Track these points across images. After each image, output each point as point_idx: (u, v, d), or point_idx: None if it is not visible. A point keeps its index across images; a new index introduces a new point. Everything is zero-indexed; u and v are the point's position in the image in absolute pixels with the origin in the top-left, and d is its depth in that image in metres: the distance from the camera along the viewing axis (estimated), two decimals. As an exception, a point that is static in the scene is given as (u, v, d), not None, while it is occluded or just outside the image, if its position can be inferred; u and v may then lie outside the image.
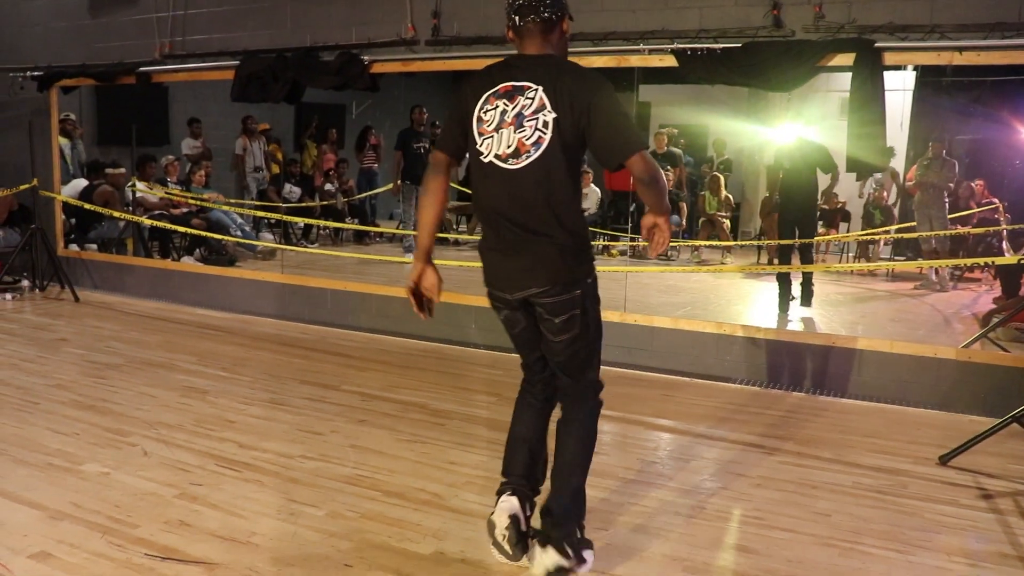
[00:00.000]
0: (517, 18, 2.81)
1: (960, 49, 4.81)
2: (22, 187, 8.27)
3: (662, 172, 2.73)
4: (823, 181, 7.59)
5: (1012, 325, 5.95)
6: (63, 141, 9.20)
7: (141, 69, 7.82)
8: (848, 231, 9.63)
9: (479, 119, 2.79)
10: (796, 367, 5.49)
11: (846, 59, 5.04)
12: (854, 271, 9.16)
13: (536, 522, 3.00)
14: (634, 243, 9.91)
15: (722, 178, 10.47)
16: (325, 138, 11.84)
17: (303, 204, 10.93)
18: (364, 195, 11.11)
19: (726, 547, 3.24)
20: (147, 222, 8.77)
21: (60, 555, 3.06)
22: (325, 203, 11.33)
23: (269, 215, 10.09)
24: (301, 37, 6.93)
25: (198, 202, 9.20)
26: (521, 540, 2.94)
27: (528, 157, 2.71)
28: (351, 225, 11.09)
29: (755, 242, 10.02)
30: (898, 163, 9.72)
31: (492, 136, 2.77)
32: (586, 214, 9.39)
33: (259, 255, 9.46)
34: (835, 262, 9.68)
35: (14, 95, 8.86)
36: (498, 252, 2.83)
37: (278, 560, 3.04)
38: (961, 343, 5.48)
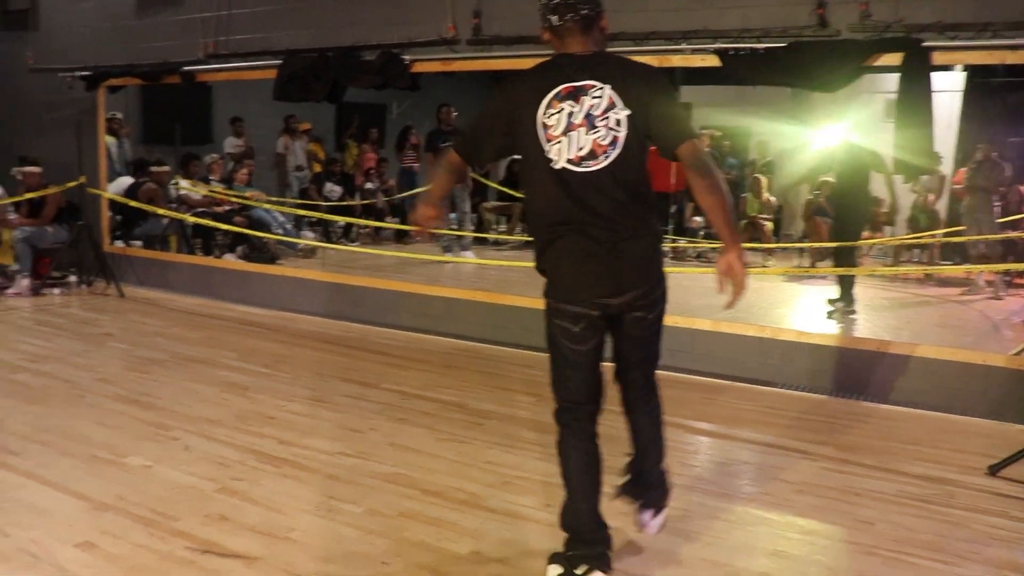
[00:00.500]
0: (555, 18, 2.72)
1: (1013, 48, 4.70)
2: (70, 185, 8.40)
3: (716, 167, 2.66)
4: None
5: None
6: (110, 140, 9.34)
7: (185, 69, 7.91)
8: (893, 235, 9.49)
9: (544, 125, 2.66)
10: (839, 372, 5.40)
11: (893, 59, 4.94)
12: (899, 275, 9.02)
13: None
14: (674, 244, 9.86)
15: (764, 180, 10.37)
16: (366, 137, 11.91)
17: (344, 203, 11.01)
18: (404, 194, 11.17)
19: (765, 552, 3.19)
20: (190, 219, 8.87)
21: (104, 546, 3.10)
22: (366, 202, 11.40)
23: (310, 213, 10.17)
24: (342, 37, 6.96)
25: (240, 200, 9.29)
26: None
27: (607, 157, 2.62)
28: (391, 224, 11.14)
29: (798, 244, 9.92)
30: (946, 166, 9.56)
31: (561, 140, 2.65)
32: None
33: (300, 253, 9.55)
34: (879, 266, 9.55)
35: (63, 95, 9.01)
36: (586, 260, 2.67)
37: (316, 556, 3.05)
38: (1011, 350, 5.37)
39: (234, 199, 9.32)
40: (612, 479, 3.06)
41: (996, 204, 8.54)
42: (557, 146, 2.66)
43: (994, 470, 4.00)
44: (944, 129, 8.52)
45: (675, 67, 5.71)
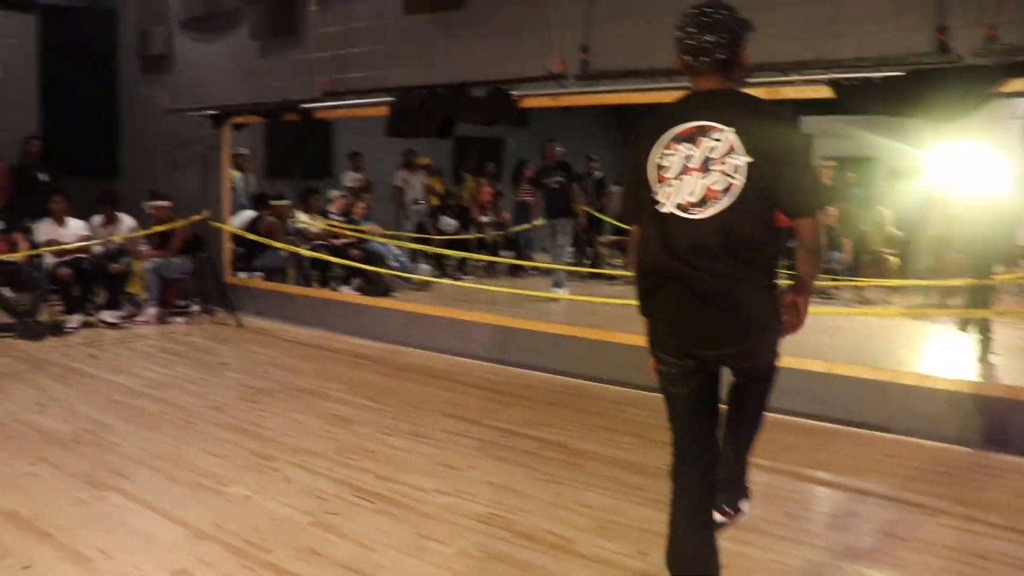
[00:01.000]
0: (689, 58, 2.57)
1: None
2: (196, 218, 8.76)
3: (822, 240, 2.52)
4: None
5: None
6: (236, 174, 9.71)
7: (304, 106, 8.17)
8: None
9: (658, 166, 2.53)
10: (969, 420, 5.04)
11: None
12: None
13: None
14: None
15: (888, 213, 9.95)
16: (483, 171, 12.03)
17: (459, 236, 11.11)
18: (519, 228, 11.20)
19: (875, 614, 3.00)
20: (307, 253, 9.11)
21: (198, 574, 3.16)
22: (480, 236, 11.48)
23: (425, 247, 10.30)
24: (452, 73, 7.06)
25: (357, 233, 9.49)
26: None
27: (717, 204, 2.45)
28: (504, 259, 11.18)
29: (924, 282, 9.44)
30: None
31: (672, 184, 2.51)
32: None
33: (414, 287, 9.67)
34: (1013, 305, 8.99)
35: (192, 133, 9.45)
36: (684, 313, 2.54)
37: (402, 596, 3.03)
38: None
39: (351, 233, 9.52)
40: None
41: None
42: (668, 189, 2.51)
43: None
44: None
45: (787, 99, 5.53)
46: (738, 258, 2.47)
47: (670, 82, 5.54)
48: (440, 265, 11.03)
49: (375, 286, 9.00)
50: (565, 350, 6.60)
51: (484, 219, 11.70)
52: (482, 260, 11.33)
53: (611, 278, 10.66)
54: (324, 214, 9.83)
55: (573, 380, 6.42)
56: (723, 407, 2.72)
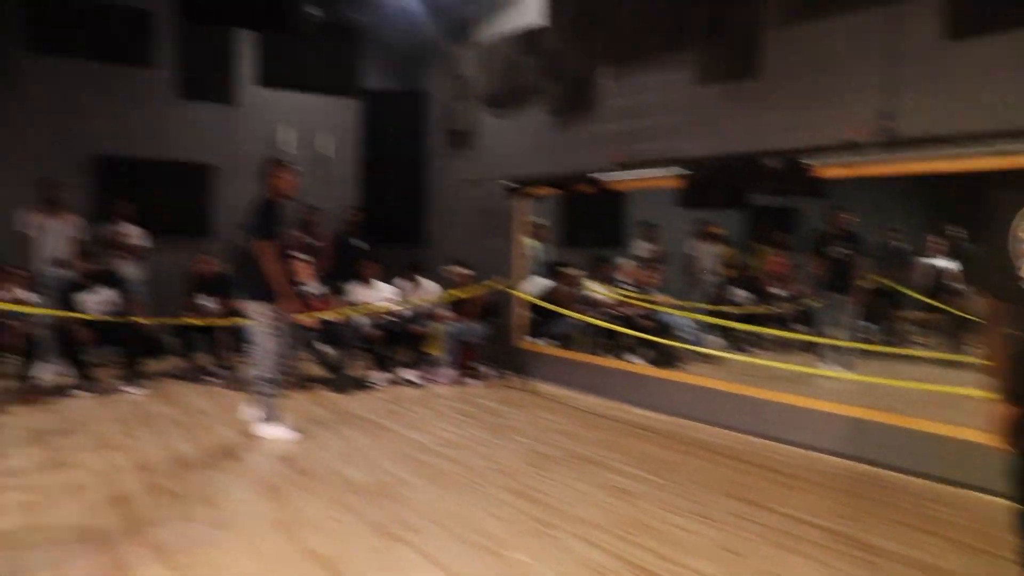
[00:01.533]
0: None
1: None
2: (493, 284, 9.19)
3: None
4: None
5: None
6: (530, 243, 10.09)
7: (597, 178, 8.37)
8: None
9: (1018, 238, 2.32)
10: None
11: None
12: None
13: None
14: None
15: None
16: (776, 242, 11.66)
17: (751, 309, 10.81)
18: (814, 302, 10.69)
19: None
20: (597, 322, 9.23)
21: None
22: (774, 309, 11.09)
23: (716, 320, 10.11)
24: (744, 143, 6.95)
25: (647, 304, 9.50)
26: None
27: None
28: (797, 334, 10.71)
29: None
30: None
31: None
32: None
33: (704, 359, 9.48)
34: None
35: (492, 203, 9.98)
36: None
37: None
38: None
39: (641, 302, 9.54)
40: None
41: None
42: None
43: None
44: None
45: None
46: None
47: (980, 147, 5.11)
48: (731, 338, 10.76)
49: (664, 357, 8.93)
50: (862, 435, 6.15)
51: (777, 291, 11.30)
52: (774, 334, 10.92)
53: (913, 358, 9.86)
54: (615, 283, 9.94)
55: (870, 468, 5.95)
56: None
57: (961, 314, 8.92)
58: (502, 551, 4.10)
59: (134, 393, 7.87)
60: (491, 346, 9.38)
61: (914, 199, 12.06)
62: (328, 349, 8.67)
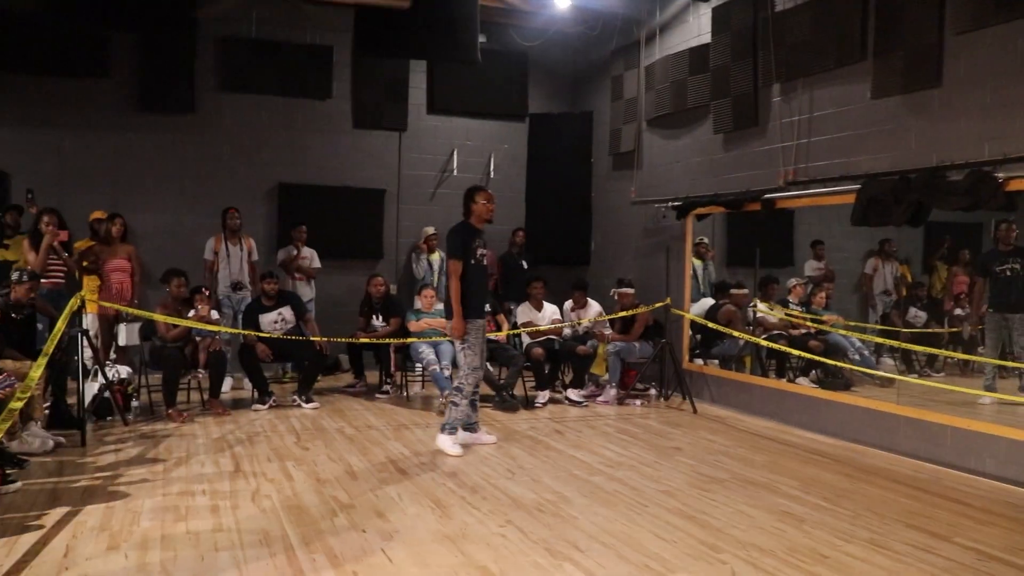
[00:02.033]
0: None
1: None
2: (658, 305, 9.13)
3: None
4: None
5: None
6: (696, 263, 9.97)
7: (766, 196, 8.19)
8: None
9: None
10: None
11: None
12: None
13: None
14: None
15: None
16: (957, 259, 11.05)
17: (928, 330, 10.26)
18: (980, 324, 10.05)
19: None
20: (765, 343, 9.00)
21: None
22: (954, 330, 10.50)
23: (890, 341, 9.66)
24: (926, 157, 6.62)
25: (817, 324, 9.19)
26: None
27: None
28: (978, 357, 10.10)
29: None
30: None
31: None
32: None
33: (877, 382, 9.07)
34: None
35: (657, 223, 9.92)
36: None
37: None
38: None
39: (810, 323, 9.25)
40: None
41: None
42: None
43: None
44: None
45: None
46: None
47: None
48: (907, 360, 10.25)
49: (835, 379, 8.61)
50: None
51: (958, 312, 10.69)
52: (954, 357, 10.32)
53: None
54: (783, 303, 9.67)
55: (1069, 502, 5.54)
56: None
57: None
58: (668, 573, 4.05)
59: (308, 408, 8.25)
60: (655, 366, 9.30)
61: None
62: (491, 367, 8.82)
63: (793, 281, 9.91)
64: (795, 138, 7.95)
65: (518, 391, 8.86)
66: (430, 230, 10.95)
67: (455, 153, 11.68)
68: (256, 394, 8.37)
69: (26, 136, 9.81)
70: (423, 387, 9.84)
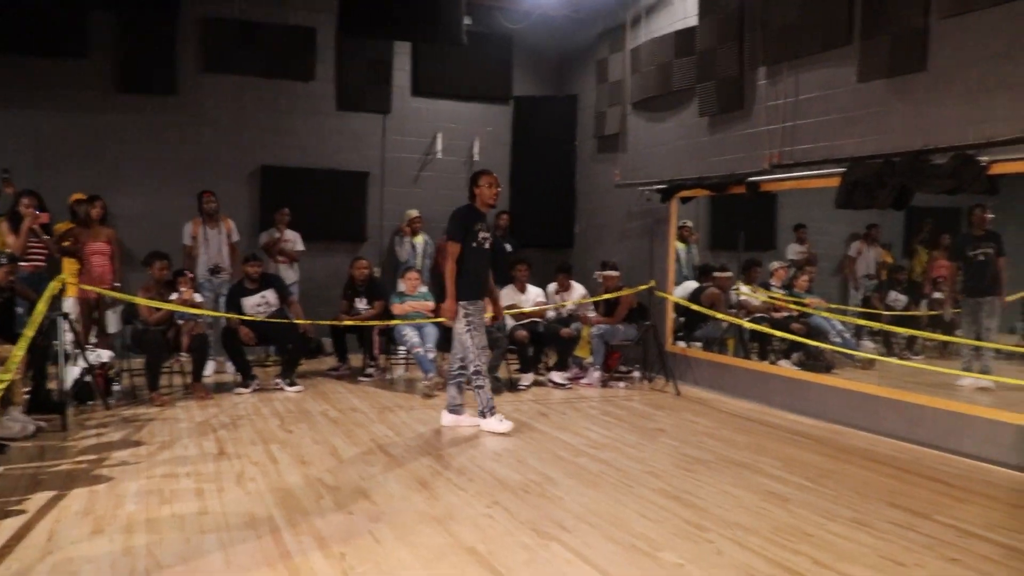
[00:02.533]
0: None
1: None
2: (642, 287, 9.15)
3: None
4: None
5: None
6: (679, 246, 9.99)
7: (750, 179, 8.20)
8: None
9: None
10: None
11: None
12: None
13: None
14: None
15: None
16: (937, 244, 11.13)
17: (908, 313, 10.35)
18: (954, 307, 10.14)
19: None
20: (748, 325, 9.04)
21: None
22: (933, 312, 10.59)
23: (871, 323, 9.72)
24: (910, 140, 6.65)
25: (799, 307, 9.24)
26: None
27: None
28: (957, 338, 10.19)
29: None
30: None
31: None
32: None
33: (858, 364, 9.14)
34: None
35: (641, 206, 9.93)
36: None
37: None
38: None
39: (793, 306, 9.30)
40: None
41: None
42: None
43: None
44: None
45: None
46: None
47: None
48: (887, 343, 10.34)
49: (816, 361, 8.66)
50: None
51: (937, 295, 10.77)
52: (933, 339, 10.41)
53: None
54: (766, 286, 9.72)
55: (1048, 482, 5.62)
56: None
57: None
58: (655, 552, 4.08)
59: (291, 391, 8.23)
60: (639, 349, 9.33)
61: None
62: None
63: (776, 264, 9.96)
64: (780, 121, 7.97)
65: (502, 374, 8.86)
66: (413, 213, 10.93)
67: (439, 136, 11.63)
68: (239, 377, 8.32)
69: (3, 117, 9.67)
70: (407, 370, 9.84)
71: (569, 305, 9.25)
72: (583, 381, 9.04)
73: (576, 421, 7.20)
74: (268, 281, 8.65)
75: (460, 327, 6.70)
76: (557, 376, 8.95)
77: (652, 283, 9.20)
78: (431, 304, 9.02)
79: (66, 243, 8.56)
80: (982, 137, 6.11)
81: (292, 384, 8.33)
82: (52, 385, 7.08)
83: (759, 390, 8.33)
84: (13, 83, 9.72)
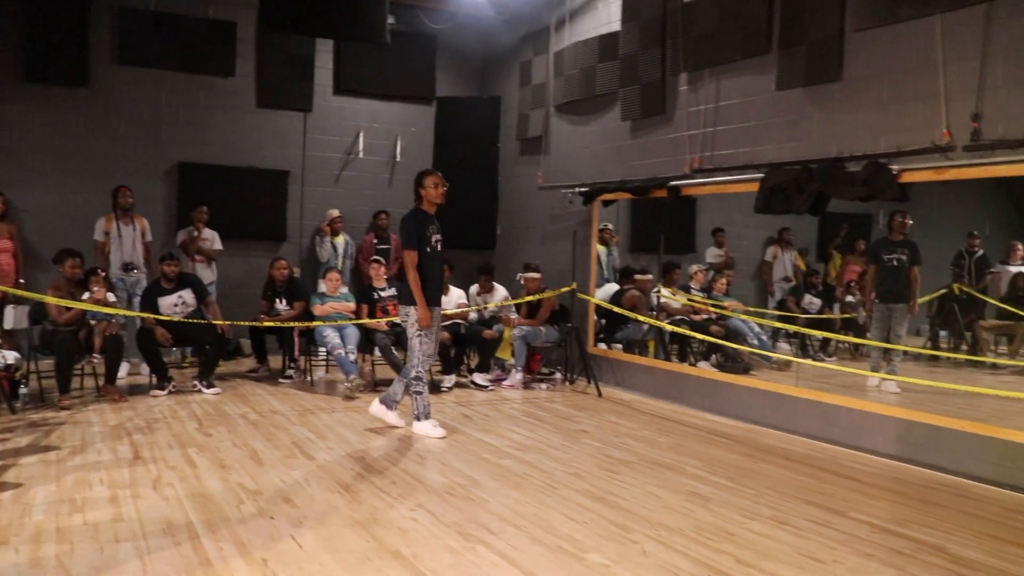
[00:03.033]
0: None
1: None
2: (564, 290, 9.20)
3: None
4: None
5: None
6: (601, 249, 10.08)
7: (672, 183, 8.33)
8: None
9: None
10: None
11: None
12: None
13: None
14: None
15: None
16: (852, 248, 11.46)
17: (823, 316, 10.63)
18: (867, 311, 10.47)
19: None
20: (668, 327, 9.17)
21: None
22: (846, 315, 10.90)
23: (787, 326, 9.96)
24: (826, 148, 6.84)
25: (718, 310, 9.41)
26: None
27: None
28: (869, 341, 10.50)
29: None
30: None
31: None
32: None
33: (774, 366, 9.36)
34: None
35: (564, 209, 9.99)
36: None
37: None
38: None
39: (712, 308, 9.46)
40: None
41: None
42: None
43: None
44: None
45: None
46: None
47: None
48: (802, 345, 10.60)
49: (734, 363, 8.84)
50: (944, 444, 6.01)
51: (850, 299, 11.09)
52: (846, 341, 10.72)
53: (994, 366, 9.59)
54: (686, 289, 9.87)
55: (951, 478, 5.82)
56: None
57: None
58: (581, 554, 4.09)
59: (209, 393, 8.04)
60: (561, 350, 9.38)
61: (995, 204, 11.74)
62: (397, 352, 8.75)
63: (695, 267, 10.12)
64: (701, 127, 8.11)
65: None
66: (335, 212, 10.80)
67: (361, 135, 11.51)
68: (155, 380, 8.09)
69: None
70: (327, 371, 9.71)
71: (491, 307, 9.25)
72: (505, 383, 9.05)
73: (499, 423, 7.20)
74: (185, 281, 8.45)
75: (411, 332, 6.61)
76: (479, 378, 8.94)
77: (574, 285, 9.26)
78: (352, 305, 8.92)
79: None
80: (893, 146, 6.32)
81: (210, 386, 8.14)
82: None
83: (679, 391, 8.46)
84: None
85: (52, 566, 3.75)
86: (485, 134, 11.88)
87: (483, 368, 9.09)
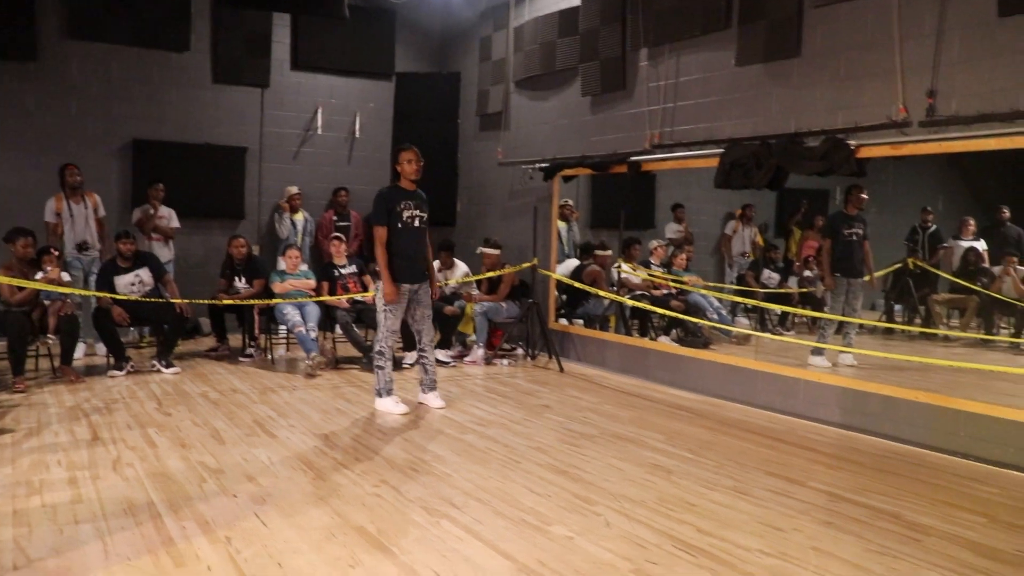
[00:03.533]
0: None
1: None
2: (524, 265, 9.21)
3: None
4: None
5: None
6: (561, 224, 10.10)
7: (632, 159, 8.35)
8: None
9: None
10: None
11: None
12: None
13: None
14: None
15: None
16: (811, 224, 11.59)
17: (781, 290, 10.76)
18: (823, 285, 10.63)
19: None
20: (628, 302, 9.22)
21: (522, 610, 3.24)
22: (804, 290, 11.04)
23: (746, 300, 10.07)
24: (785, 123, 6.91)
25: (678, 284, 9.48)
26: None
27: None
28: (827, 315, 10.65)
29: None
30: None
31: None
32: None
33: (734, 340, 9.47)
34: None
35: (524, 185, 9.98)
36: None
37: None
38: None
39: (672, 283, 9.53)
40: None
41: None
42: None
43: None
44: None
45: None
46: None
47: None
48: (761, 319, 10.73)
49: (694, 337, 8.93)
50: (898, 414, 6.13)
51: (808, 273, 11.24)
52: (804, 315, 10.86)
53: (946, 339, 9.79)
54: (646, 264, 9.93)
55: (907, 447, 5.94)
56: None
57: (992, 295, 8.86)
58: (544, 526, 4.13)
59: (168, 373, 7.96)
60: (522, 326, 9.40)
61: (948, 179, 11.93)
62: (357, 329, 8.72)
63: (655, 243, 10.18)
64: (661, 102, 8.14)
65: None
66: (293, 189, 10.71)
67: (319, 111, 11.39)
68: (112, 360, 7.98)
69: None
70: (288, 349, 9.65)
71: (452, 283, 9.24)
72: (467, 359, 9.05)
73: (461, 398, 7.21)
74: (142, 259, 8.32)
75: (379, 306, 6.64)
76: (441, 354, 8.92)
77: (534, 261, 9.28)
78: (312, 283, 8.86)
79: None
80: (851, 121, 6.39)
81: (169, 366, 8.05)
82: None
83: (640, 366, 8.53)
84: None
85: (9, 549, 3.70)
86: (445, 110, 11.80)
87: (445, 344, 9.09)
